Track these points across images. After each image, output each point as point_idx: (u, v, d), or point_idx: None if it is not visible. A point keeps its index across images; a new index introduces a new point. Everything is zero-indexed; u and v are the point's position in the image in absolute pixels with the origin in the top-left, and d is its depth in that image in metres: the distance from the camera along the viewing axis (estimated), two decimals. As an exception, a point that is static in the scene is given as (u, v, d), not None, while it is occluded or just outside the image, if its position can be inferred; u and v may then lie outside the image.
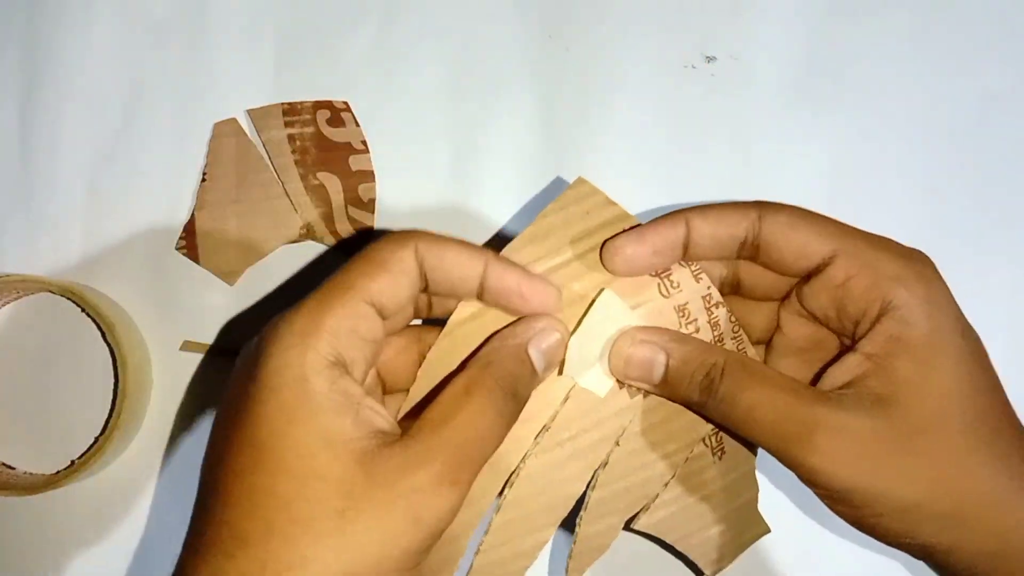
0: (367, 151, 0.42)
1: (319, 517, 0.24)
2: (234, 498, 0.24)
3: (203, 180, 0.42)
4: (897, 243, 0.29)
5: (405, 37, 0.43)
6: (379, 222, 0.42)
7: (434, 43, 0.43)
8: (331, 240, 0.41)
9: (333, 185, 0.41)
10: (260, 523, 0.24)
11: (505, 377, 0.27)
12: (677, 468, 0.32)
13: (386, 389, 0.31)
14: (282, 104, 0.42)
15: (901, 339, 0.27)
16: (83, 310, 0.38)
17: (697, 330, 0.31)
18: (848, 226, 0.29)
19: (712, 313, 0.31)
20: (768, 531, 0.35)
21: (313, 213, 0.41)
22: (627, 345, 0.30)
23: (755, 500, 0.34)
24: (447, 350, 0.30)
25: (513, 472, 0.30)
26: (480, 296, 0.29)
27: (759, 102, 0.42)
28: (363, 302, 0.26)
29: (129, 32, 0.43)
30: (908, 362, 0.27)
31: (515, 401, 0.27)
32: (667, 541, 0.33)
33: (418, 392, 0.30)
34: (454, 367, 0.30)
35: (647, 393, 0.31)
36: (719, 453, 0.33)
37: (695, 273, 0.31)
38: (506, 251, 0.30)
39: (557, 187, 0.42)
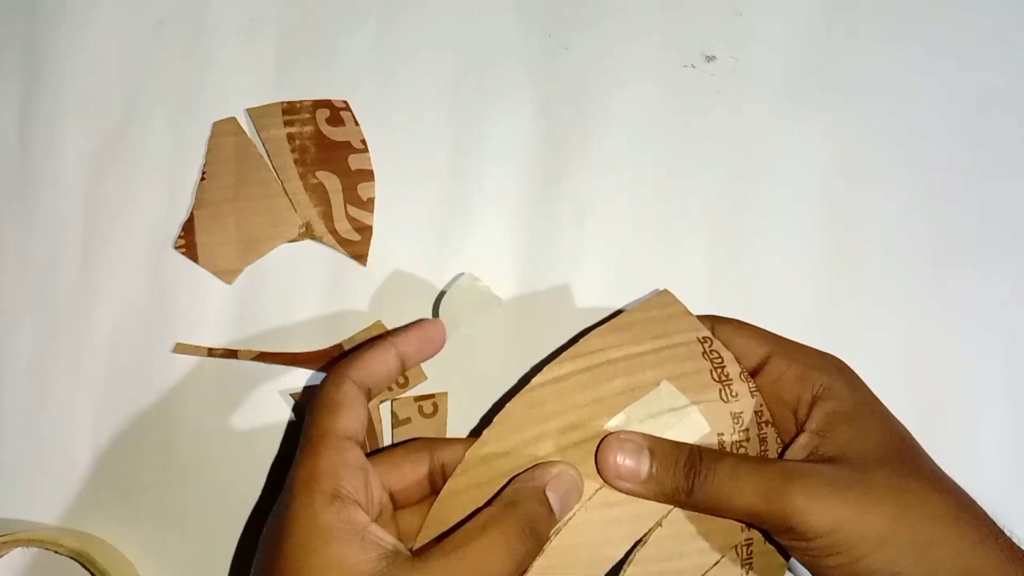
0: (366, 150, 0.42)
1: None
2: None
3: (202, 179, 0.42)
4: (815, 348, 0.35)
5: (405, 36, 0.43)
6: (378, 221, 0.42)
7: (434, 43, 0.43)
8: (330, 239, 0.41)
9: (332, 184, 0.41)
10: None
11: (524, 517, 0.30)
12: (707, 569, 0.33)
13: (397, 505, 0.34)
14: (281, 103, 0.42)
15: (836, 412, 0.32)
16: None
17: (747, 439, 0.34)
18: (780, 336, 0.35)
19: (762, 429, 0.34)
20: None
21: (312, 212, 0.41)
22: (613, 448, 0.32)
23: None
24: (460, 488, 0.32)
25: (564, 521, 0.32)
26: (404, 368, 0.35)
27: (759, 102, 0.42)
28: (339, 439, 0.31)
29: (129, 32, 0.43)
30: (844, 427, 0.32)
31: (533, 540, 0.30)
32: None
33: (432, 524, 0.32)
34: (467, 504, 0.32)
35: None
36: (748, 566, 0.33)
37: (752, 390, 0.34)
38: (591, 335, 0.34)
39: (556, 187, 0.42)
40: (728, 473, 0.31)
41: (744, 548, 0.33)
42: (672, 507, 0.33)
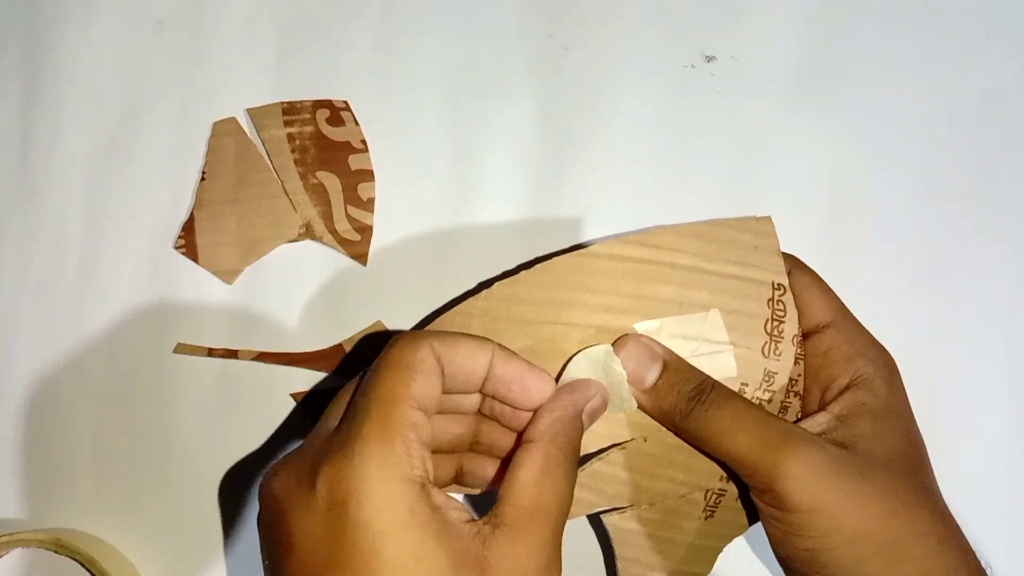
0: (367, 150, 0.42)
1: None
2: None
3: (202, 179, 0.42)
4: (871, 335, 0.33)
5: (405, 36, 0.43)
6: (378, 221, 0.42)
7: (434, 43, 0.43)
8: (330, 239, 0.41)
9: (332, 184, 0.41)
10: None
11: (572, 448, 0.29)
12: (670, 497, 0.32)
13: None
14: (282, 103, 0.42)
15: (865, 404, 0.31)
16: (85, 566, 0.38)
17: (770, 400, 0.32)
18: (846, 309, 0.33)
19: (788, 397, 0.33)
20: None
21: (312, 212, 0.41)
22: (629, 342, 0.32)
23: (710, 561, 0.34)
24: (474, 311, 0.32)
25: None
26: (482, 387, 0.30)
27: (759, 102, 0.42)
28: (411, 408, 0.26)
29: (129, 31, 0.43)
30: (867, 420, 0.31)
31: (578, 463, 0.29)
32: (615, 551, 0.33)
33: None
34: (474, 326, 0.31)
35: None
36: (709, 513, 0.33)
37: (798, 355, 0.32)
38: (667, 230, 0.32)
39: (556, 187, 0.42)
40: (731, 413, 0.30)
41: (714, 496, 0.33)
42: (662, 431, 0.32)
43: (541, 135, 0.42)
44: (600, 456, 0.32)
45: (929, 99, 0.42)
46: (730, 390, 0.31)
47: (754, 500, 0.31)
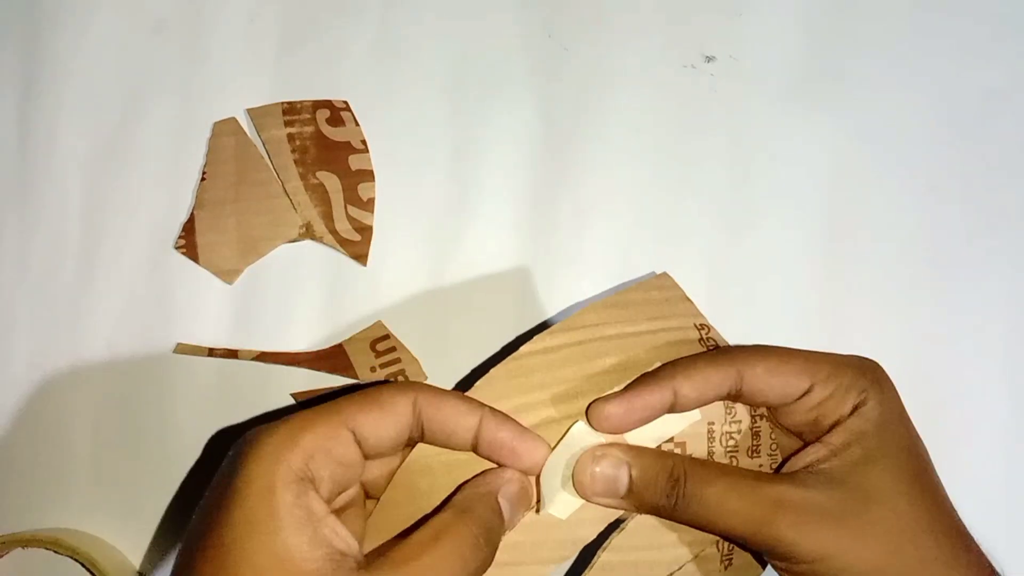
0: (367, 150, 0.42)
1: None
2: None
3: (202, 179, 0.42)
4: (855, 357, 0.32)
5: (405, 37, 0.43)
6: (378, 221, 0.42)
7: (434, 42, 0.43)
8: (330, 239, 0.41)
9: (332, 184, 0.41)
10: None
11: (480, 526, 0.28)
12: (685, 563, 0.32)
13: (370, 496, 0.31)
14: (282, 103, 0.42)
15: (854, 431, 0.30)
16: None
17: (739, 432, 0.32)
18: (815, 354, 0.32)
19: (756, 423, 0.33)
20: None
21: (312, 212, 0.41)
22: (589, 463, 0.31)
23: None
24: (429, 452, 0.30)
25: (538, 500, 0.31)
26: (474, 447, 0.30)
27: (759, 102, 0.42)
28: (344, 427, 0.27)
29: (129, 32, 0.43)
30: (858, 448, 0.30)
31: (488, 549, 0.28)
32: None
33: (378, 523, 0.30)
34: (414, 506, 0.30)
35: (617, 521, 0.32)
36: (727, 563, 0.33)
37: (754, 413, 0.33)
38: (586, 309, 0.33)
39: (556, 186, 0.42)
40: (715, 498, 0.30)
41: (726, 545, 0.33)
42: None
43: (541, 135, 0.42)
44: (605, 545, 0.32)
45: (929, 99, 0.42)
46: (705, 466, 0.31)
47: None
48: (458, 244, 0.41)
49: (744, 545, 0.32)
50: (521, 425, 0.30)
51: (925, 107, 0.42)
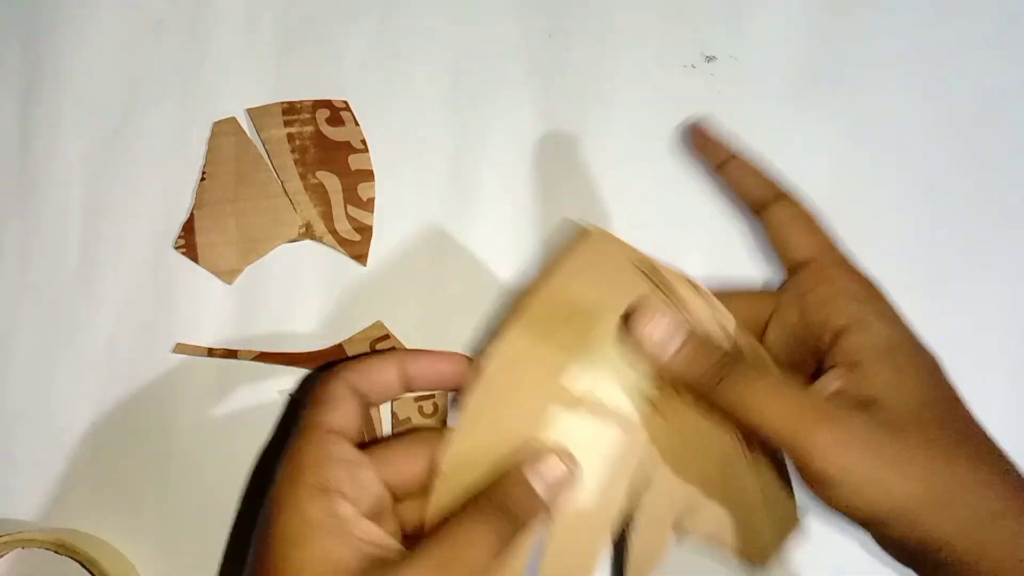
0: (367, 150, 0.42)
1: None
2: None
3: (202, 179, 0.42)
4: (853, 269, 0.34)
5: (405, 36, 0.43)
6: (378, 221, 0.42)
7: (434, 42, 0.43)
8: (330, 239, 0.41)
9: (332, 184, 0.41)
10: None
11: (501, 500, 0.30)
12: (713, 480, 0.33)
13: (399, 497, 0.33)
14: (281, 103, 0.42)
15: (869, 347, 0.31)
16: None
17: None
18: (829, 243, 0.34)
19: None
20: (799, 524, 0.34)
21: (312, 212, 0.41)
22: (647, 318, 0.32)
23: (790, 491, 0.34)
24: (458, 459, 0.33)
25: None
26: (410, 388, 0.34)
27: (759, 102, 0.42)
28: (325, 432, 0.31)
29: (129, 31, 0.43)
30: (882, 368, 0.30)
31: (511, 523, 0.30)
32: (713, 550, 0.33)
33: (436, 503, 0.32)
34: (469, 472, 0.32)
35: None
36: (748, 450, 0.33)
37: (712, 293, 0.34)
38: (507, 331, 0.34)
39: (556, 186, 0.42)
40: (763, 390, 0.30)
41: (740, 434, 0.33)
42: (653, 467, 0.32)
43: (541, 135, 0.42)
44: (638, 506, 0.32)
45: (929, 99, 0.42)
46: (760, 360, 0.31)
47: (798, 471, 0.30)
48: (458, 244, 0.41)
49: (769, 446, 0.32)
50: (435, 351, 0.35)
51: (925, 107, 0.42)
